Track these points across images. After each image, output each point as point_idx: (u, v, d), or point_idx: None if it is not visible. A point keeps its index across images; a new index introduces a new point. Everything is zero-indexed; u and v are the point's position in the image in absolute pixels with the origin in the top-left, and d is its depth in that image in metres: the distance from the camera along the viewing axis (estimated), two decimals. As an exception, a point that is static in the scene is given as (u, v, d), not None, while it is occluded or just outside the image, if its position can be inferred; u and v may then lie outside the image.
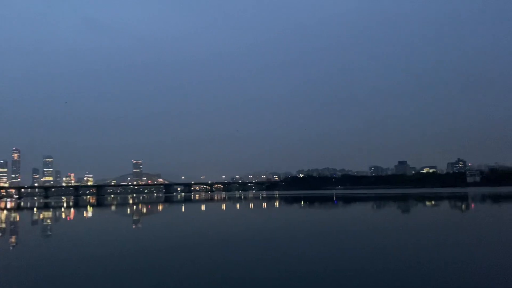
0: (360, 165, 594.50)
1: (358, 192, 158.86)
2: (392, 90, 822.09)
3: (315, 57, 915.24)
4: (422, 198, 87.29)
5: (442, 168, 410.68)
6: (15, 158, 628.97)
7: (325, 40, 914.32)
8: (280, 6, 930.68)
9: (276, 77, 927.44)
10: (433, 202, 70.57)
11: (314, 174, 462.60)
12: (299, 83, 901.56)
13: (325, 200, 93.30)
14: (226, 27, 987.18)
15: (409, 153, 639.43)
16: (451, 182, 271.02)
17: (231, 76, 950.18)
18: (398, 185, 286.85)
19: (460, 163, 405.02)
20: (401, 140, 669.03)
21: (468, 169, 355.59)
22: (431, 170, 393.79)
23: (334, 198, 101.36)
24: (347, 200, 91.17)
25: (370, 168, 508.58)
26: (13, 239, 30.95)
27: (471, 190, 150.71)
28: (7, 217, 63.28)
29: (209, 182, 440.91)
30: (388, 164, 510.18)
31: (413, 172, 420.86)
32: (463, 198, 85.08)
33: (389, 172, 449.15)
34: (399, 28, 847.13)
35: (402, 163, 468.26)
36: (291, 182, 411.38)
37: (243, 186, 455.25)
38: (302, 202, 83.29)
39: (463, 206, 59.76)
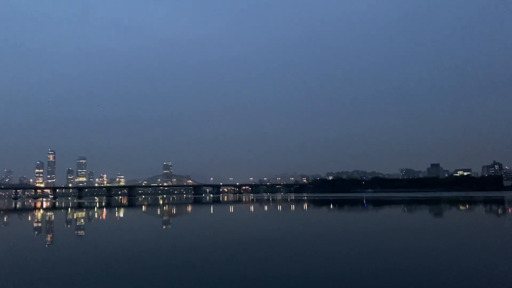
0: (391, 168, 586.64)
1: (389, 195, 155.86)
2: (424, 91, 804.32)
3: (345, 56, 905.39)
4: (456, 202, 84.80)
5: (477, 171, 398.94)
6: (51, 159, 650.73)
7: (350, 39, 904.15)
8: (298, 5, 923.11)
9: (305, 77, 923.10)
10: (467, 206, 68.45)
11: (344, 177, 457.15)
12: (327, 83, 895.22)
13: (356, 203, 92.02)
14: (249, 28, 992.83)
15: (442, 156, 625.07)
16: (487, 186, 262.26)
17: (259, 75, 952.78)
18: (431, 188, 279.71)
19: (496, 166, 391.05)
20: (434, 142, 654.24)
21: (504, 173, 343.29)
22: (466, 173, 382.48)
23: (364, 201, 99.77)
24: (378, 203, 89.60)
25: (402, 171, 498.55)
26: (51, 237, 32.03)
27: (508, 194, 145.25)
28: (47, 216, 65.56)
29: (237, 183, 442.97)
30: (420, 166, 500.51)
31: (446, 175, 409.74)
32: (500, 202, 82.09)
33: (421, 175, 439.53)
34: (429, 25, 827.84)
35: (435, 166, 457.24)
36: (320, 184, 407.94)
37: (271, 188, 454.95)
38: (332, 205, 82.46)
39: (500, 210, 57.63)
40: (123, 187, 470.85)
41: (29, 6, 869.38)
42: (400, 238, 25.68)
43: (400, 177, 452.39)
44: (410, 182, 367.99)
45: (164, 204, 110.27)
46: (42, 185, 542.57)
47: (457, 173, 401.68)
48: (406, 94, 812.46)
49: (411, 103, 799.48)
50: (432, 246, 21.21)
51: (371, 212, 58.63)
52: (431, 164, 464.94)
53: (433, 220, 43.95)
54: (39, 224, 47.83)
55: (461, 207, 66.72)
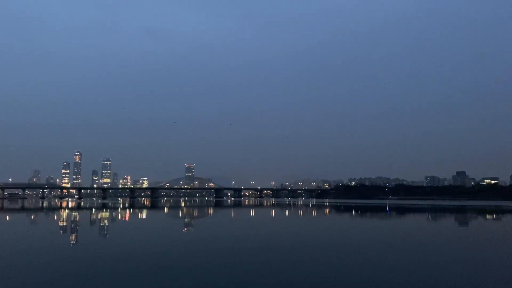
0: (415, 175, 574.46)
1: (412, 203, 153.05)
2: (451, 98, 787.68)
3: (371, 62, 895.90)
4: (483, 211, 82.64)
5: (505, 179, 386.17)
6: (77, 160, 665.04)
7: (376, 44, 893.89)
8: (325, 10, 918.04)
9: (329, 82, 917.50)
10: (495, 216, 66.65)
11: (367, 183, 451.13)
12: (352, 88, 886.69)
13: (378, 210, 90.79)
14: (273, 32, 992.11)
15: (468, 164, 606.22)
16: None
17: (282, 80, 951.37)
18: (456, 196, 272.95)
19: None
20: (460, 149, 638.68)
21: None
22: (493, 182, 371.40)
23: (387, 208, 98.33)
24: (401, 210, 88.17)
25: (426, 178, 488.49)
26: (76, 237, 32.84)
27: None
28: (73, 216, 67.17)
29: (259, 187, 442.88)
30: (446, 174, 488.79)
31: (472, 183, 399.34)
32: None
33: (446, 183, 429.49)
34: (463, 34, 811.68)
35: (460, 174, 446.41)
36: (342, 190, 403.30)
37: (293, 193, 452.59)
38: (354, 212, 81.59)
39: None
40: (146, 188, 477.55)
41: (60, 10, 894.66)
42: (425, 250, 25.26)
43: (425, 185, 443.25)
44: (435, 189, 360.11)
45: (186, 207, 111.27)
46: (68, 185, 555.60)
47: (483, 182, 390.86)
48: (432, 100, 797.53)
49: (437, 110, 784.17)
50: (459, 259, 20.79)
51: (394, 220, 57.78)
52: (457, 172, 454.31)
53: (460, 230, 43.02)
54: (65, 223, 49.05)
55: (488, 217, 65.01)
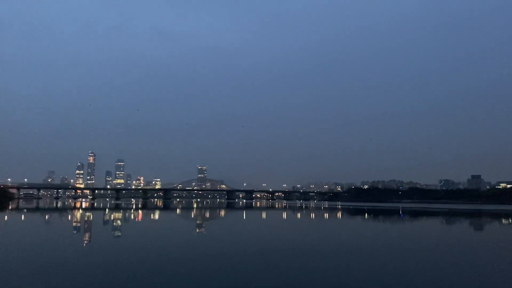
0: (429, 178, 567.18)
1: (426, 206, 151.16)
2: (465, 100, 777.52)
3: (382, 63, 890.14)
4: (498, 216, 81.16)
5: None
6: (91, 161, 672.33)
7: (387, 46, 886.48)
8: (334, 11, 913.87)
9: (340, 83, 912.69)
10: (510, 221, 65.41)
11: (379, 186, 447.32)
12: (364, 90, 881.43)
13: (392, 213, 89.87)
14: (284, 33, 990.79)
15: (484, 167, 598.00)
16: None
17: (293, 81, 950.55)
18: (471, 200, 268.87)
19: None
20: (476, 152, 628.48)
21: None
22: (509, 186, 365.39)
23: (400, 212, 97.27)
24: (415, 214, 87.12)
25: (440, 182, 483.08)
26: (90, 236, 33.11)
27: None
28: (87, 216, 67.83)
29: (270, 190, 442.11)
30: (460, 178, 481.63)
31: (488, 187, 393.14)
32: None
33: (461, 187, 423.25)
34: (472, 31, 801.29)
35: (475, 177, 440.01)
36: (354, 193, 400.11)
37: (304, 195, 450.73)
38: (366, 215, 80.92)
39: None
40: (159, 190, 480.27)
41: (74, 14, 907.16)
42: (440, 256, 24.86)
43: (439, 188, 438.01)
44: (449, 193, 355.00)
45: (198, 208, 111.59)
46: (82, 186, 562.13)
47: (499, 185, 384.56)
48: (446, 103, 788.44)
49: (452, 112, 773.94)
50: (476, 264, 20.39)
51: (408, 224, 57.10)
52: (472, 176, 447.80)
53: (476, 235, 42.30)
54: (78, 224, 49.51)
55: (504, 221, 63.83)
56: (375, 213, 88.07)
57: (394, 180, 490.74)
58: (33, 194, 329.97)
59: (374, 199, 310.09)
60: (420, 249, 26.08)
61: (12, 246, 24.82)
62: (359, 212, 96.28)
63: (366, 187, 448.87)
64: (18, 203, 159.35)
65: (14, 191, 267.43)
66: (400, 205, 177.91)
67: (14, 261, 19.07)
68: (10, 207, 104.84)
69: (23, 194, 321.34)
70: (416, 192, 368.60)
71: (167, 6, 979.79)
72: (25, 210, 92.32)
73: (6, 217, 65.33)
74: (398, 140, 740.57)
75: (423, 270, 17.99)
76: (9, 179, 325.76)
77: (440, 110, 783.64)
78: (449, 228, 50.35)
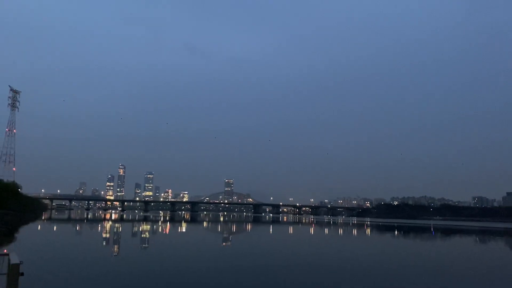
0: (461, 195, 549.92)
1: (458, 224, 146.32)
2: (499, 113, 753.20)
3: (414, 79, 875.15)
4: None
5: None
6: (121, 173, 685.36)
7: (418, 61, 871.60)
8: (366, 28, 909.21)
9: (368, 96, 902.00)
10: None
11: (410, 202, 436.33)
12: (395, 105, 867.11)
13: (423, 231, 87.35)
14: (313, 48, 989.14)
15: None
16: None
17: (322, 95, 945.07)
18: (506, 218, 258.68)
19: None
20: (511, 168, 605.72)
21: None
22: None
23: (432, 229, 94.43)
24: (447, 232, 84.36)
25: (474, 199, 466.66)
26: (119, 248, 33.62)
27: None
28: (117, 228, 69.01)
29: (297, 204, 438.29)
30: (495, 195, 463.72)
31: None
32: None
33: (496, 204, 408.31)
34: (507, 46, 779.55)
35: (511, 195, 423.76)
36: (384, 209, 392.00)
37: (332, 210, 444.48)
38: (396, 232, 78.96)
39: None
40: (187, 202, 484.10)
41: (110, 29, 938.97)
42: (476, 277, 23.97)
43: (472, 205, 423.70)
44: (483, 211, 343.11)
45: (225, 222, 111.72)
46: (112, 198, 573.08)
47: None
48: (480, 118, 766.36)
49: (486, 128, 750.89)
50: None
51: (440, 243, 55.37)
52: (507, 193, 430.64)
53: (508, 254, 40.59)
54: (108, 235, 50.35)
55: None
56: (406, 230, 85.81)
57: (425, 196, 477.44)
58: (65, 205, 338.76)
59: (404, 216, 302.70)
60: (455, 272, 25.19)
61: (48, 255, 25.42)
62: (389, 228, 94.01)
63: (396, 203, 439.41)
64: (51, 213, 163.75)
65: (47, 202, 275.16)
66: (431, 222, 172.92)
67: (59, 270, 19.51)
68: (43, 217, 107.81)
69: (56, 205, 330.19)
70: (448, 209, 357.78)
71: (196, 22, 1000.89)
72: (58, 220, 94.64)
73: (39, 226, 67.19)
74: (429, 156, 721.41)
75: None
76: (42, 190, 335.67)
77: (474, 125, 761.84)
78: (484, 247, 48.43)
